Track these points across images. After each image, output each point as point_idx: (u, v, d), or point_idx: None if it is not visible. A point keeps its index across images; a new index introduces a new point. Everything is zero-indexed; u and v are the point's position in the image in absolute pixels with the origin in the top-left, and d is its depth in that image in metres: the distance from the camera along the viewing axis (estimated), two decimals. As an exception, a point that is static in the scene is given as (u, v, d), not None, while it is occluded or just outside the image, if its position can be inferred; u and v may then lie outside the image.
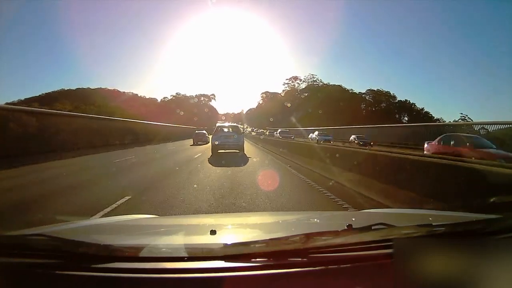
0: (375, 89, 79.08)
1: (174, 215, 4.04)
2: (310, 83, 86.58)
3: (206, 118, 79.77)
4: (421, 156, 5.36)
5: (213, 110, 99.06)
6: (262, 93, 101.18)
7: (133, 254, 0.88)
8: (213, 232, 1.14)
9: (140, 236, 1.38)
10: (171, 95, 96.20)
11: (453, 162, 4.17)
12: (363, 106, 75.95)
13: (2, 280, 0.85)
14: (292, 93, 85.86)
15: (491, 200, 2.60)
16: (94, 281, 0.83)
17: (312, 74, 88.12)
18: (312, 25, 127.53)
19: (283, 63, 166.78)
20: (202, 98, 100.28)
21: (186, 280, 0.81)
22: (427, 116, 68.62)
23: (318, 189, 5.99)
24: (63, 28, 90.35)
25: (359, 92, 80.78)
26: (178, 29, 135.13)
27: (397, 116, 72.22)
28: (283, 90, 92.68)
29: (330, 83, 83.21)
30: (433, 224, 0.94)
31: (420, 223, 0.99)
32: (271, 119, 66.83)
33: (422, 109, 74.58)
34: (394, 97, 77.76)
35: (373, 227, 0.93)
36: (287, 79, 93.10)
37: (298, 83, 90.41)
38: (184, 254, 0.88)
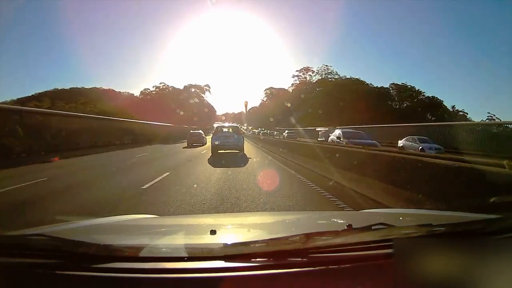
0: (400, 84, 65.23)
1: (174, 215, 4.04)
2: (324, 76, 72.56)
3: (206, 118, 73.32)
4: (421, 156, 5.35)
5: (211, 109, 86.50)
6: (266, 89, 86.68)
7: (133, 254, 0.88)
8: (213, 232, 1.14)
9: (140, 236, 1.38)
10: (153, 86, 78.51)
11: (453, 162, 4.17)
12: (384, 102, 61.45)
13: (2, 280, 0.85)
14: (303, 87, 71.75)
15: (491, 200, 2.60)
16: (94, 281, 0.83)
17: (327, 65, 73.05)
18: (324, 12, 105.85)
19: (289, 58, 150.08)
20: (193, 90, 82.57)
21: (186, 280, 0.81)
22: (459, 115, 56.52)
23: (317, 189, 6.00)
24: (59, 28, 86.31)
25: (381, 87, 66.32)
26: (175, 24, 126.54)
27: (428, 114, 58.18)
28: (293, 84, 77.90)
29: (347, 77, 70.05)
30: (433, 224, 0.94)
31: (420, 223, 0.99)
32: (271, 119, 60.64)
33: (453, 106, 61.09)
34: (419, 92, 63.98)
35: (373, 227, 0.94)
36: (297, 71, 77.54)
37: (310, 75, 75.47)
38: (184, 254, 0.88)
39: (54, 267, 0.87)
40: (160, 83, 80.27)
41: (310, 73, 76.08)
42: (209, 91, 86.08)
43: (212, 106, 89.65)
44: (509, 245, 0.88)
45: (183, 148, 21.95)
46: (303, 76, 76.97)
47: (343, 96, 57.50)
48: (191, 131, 27.55)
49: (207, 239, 1.15)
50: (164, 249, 0.97)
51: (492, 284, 0.75)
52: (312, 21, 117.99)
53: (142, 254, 0.88)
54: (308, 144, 13.24)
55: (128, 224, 1.60)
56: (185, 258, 0.87)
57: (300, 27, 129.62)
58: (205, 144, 24.41)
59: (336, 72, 73.06)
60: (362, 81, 68.19)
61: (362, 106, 51.51)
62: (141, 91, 78.24)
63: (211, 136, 15.60)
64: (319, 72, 74.25)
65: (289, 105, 59.23)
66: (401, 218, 1.66)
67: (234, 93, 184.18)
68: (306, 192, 5.92)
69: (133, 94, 77.50)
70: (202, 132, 27.55)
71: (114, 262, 0.86)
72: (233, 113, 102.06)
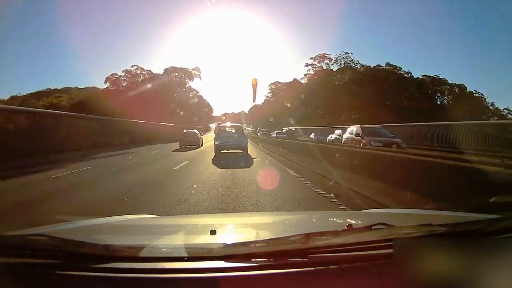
0: (432, 76, 52.26)
1: (174, 215, 4.05)
2: (343, 65, 58.81)
3: (198, 116, 58.77)
4: (421, 156, 5.36)
5: (207, 106, 70.98)
6: (271, 84, 70.07)
7: (133, 254, 0.88)
8: (213, 232, 1.14)
9: (140, 236, 1.38)
10: (123, 70, 58.50)
11: (453, 162, 4.17)
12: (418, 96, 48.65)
13: (2, 280, 0.85)
14: (321, 78, 57.21)
15: (491, 200, 2.60)
16: (94, 281, 0.83)
17: (346, 52, 58.68)
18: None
19: (297, 49, 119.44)
20: (176, 75, 62.68)
21: (186, 280, 0.81)
22: (503, 113, 47.19)
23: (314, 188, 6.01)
24: (53, 26, 73.25)
25: (416, 78, 52.28)
26: (174, 19, 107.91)
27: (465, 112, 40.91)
28: (306, 75, 62.21)
29: (371, 66, 55.18)
30: (433, 224, 0.94)
31: (420, 223, 0.99)
32: (271, 119, 50.52)
33: (493, 103, 50.46)
34: (457, 86, 51.76)
35: (373, 227, 0.94)
36: (311, 58, 61.30)
37: (328, 64, 60.31)
38: (184, 254, 0.88)
39: (54, 267, 0.87)
40: (132, 66, 58.71)
41: (327, 61, 60.32)
42: (199, 77, 65.35)
43: (208, 103, 74.72)
44: (509, 245, 0.88)
45: (172, 151, 17.48)
46: (318, 64, 61.68)
47: (372, 88, 46.29)
48: (184, 130, 22.79)
49: (207, 239, 1.15)
50: (164, 249, 0.96)
51: (492, 284, 0.75)
52: (324, 4, 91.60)
53: (142, 254, 0.88)
54: (309, 144, 13.22)
55: (128, 224, 1.60)
56: (185, 258, 0.86)
57: (311, 12, 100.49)
58: (201, 146, 21.50)
59: (358, 60, 58.95)
60: (398, 67, 52.56)
61: (397, 100, 42.27)
62: (107, 78, 57.02)
63: (213, 136, 15.52)
64: (338, 60, 59.36)
65: (288, 105, 49.50)
66: (401, 218, 1.66)
67: (234, 92, 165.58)
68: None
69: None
70: (197, 132, 23.11)
71: (114, 262, 0.86)
72: (232, 113, 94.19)
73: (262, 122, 58.65)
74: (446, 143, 15.19)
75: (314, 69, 61.57)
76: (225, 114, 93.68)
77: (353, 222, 1.03)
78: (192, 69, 64.58)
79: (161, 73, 61.43)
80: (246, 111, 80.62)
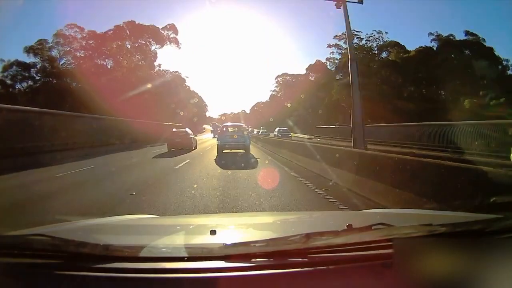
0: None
1: (174, 215, 4.05)
2: (376, 46, 42.48)
3: (185, 112, 43.82)
4: (421, 156, 5.36)
5: (198, 99, 59.94)
6: (278, 76, 58.30)
7: (133, 254, 0.88)
8: (213, 232, 1.14)
9: (140, 236, 1.38)
10: (54, 34, 35.61)
11: (452, 163, 4.17)
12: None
13: (2, 280, 0.85)
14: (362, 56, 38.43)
15: (491, 200, 2.60)
16: (94, 281, 0.83)
17: (379, 32, 42.34)
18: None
19: (305, 39, 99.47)
20: (136, 38, 38.38)
21: (186, 280, 0.81)
22: None
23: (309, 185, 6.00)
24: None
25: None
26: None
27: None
28: (328, 59, 45.83)
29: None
30: (433, 224, 0.94)
31: (420, 223, 0.99)
32: (271, 119, 43.65)
33: None
34: None
35: (373, 227, 0.94)
36: (336, 37, 43.75)
37: (357, 44, 41.12)
38: (184, 254, 0.88)
39: (54, 267, 0.87)
40: (67, 25, 35.21)
41: (357, 40, 41.68)
42: (177, 44, 40.38)
43: (201, 97, 62.61)
44: (509, 245, 0.88)
45: (152, 158, 13.45)
46: (345, 46, 44.03)
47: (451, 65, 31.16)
48: (174, 130, 18.71)
49: (207, 239, 1.15)
50: (163, 249, 0.96)
51: (492, 284, 0.75)
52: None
53: (142, 254, 0.88)
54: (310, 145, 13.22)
55: (128, 224, 1.60)
56: (185, 258, 0.86)
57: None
58: (195, 148, 18.06)
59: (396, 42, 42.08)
60: (481, 38, 34.31)
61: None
62: (29, 47, 34.07)
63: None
64: (370, 40, 43.26)
65: (289, 105, 40.90)
66: (401, 218, 1.66)
67: (233, 91, 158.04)
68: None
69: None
70: (190, 132, 18.78)
71: (114, 262, 0.86)
72: (232, 113, 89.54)
73: (266, 122, 49.81)
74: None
75: (340, 51, 44.59)
76: (224, 114, 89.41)
77: (353, 222, 1.03)
78: (162, 28, 38.71)
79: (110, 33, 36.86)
80: (247, 111, 76.60)
